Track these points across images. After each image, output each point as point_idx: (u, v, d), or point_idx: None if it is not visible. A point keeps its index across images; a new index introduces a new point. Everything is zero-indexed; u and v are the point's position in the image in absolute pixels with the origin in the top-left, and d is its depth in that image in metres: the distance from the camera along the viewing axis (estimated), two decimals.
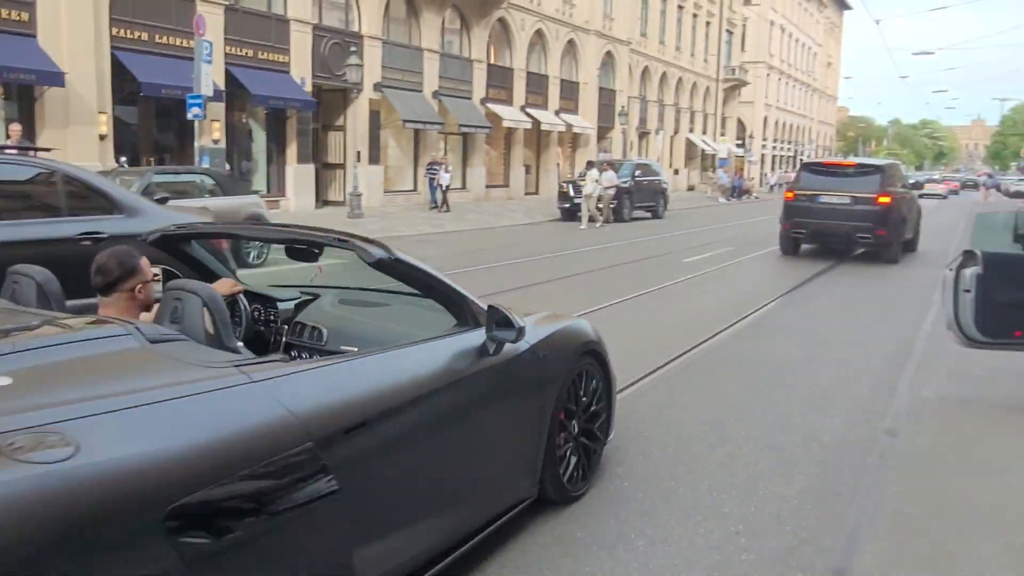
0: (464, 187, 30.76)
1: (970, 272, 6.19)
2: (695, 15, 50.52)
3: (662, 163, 40.84)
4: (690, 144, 51.06)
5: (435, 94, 28.06)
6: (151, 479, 1.94)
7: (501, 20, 31.56)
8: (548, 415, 3.79)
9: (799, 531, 3.90)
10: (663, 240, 18.39)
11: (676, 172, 47.91)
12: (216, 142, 20.47)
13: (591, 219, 22.17)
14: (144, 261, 3.40)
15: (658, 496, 4.25)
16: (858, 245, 15.59)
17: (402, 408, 2.81)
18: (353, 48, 22.56)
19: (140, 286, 3.32)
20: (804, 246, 16.36)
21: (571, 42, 36.20)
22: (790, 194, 15.94)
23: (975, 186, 74.12)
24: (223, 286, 3.77)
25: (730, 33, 56.48)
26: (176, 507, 1.95)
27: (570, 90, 36.57)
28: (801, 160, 73.12)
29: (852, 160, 17.20)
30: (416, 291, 3.61)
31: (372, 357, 2.92)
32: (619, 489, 4.32)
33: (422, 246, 16.53)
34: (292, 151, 23.26)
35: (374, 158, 25.86)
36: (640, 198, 25.80)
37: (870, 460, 4.89)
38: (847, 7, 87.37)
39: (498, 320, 3.41)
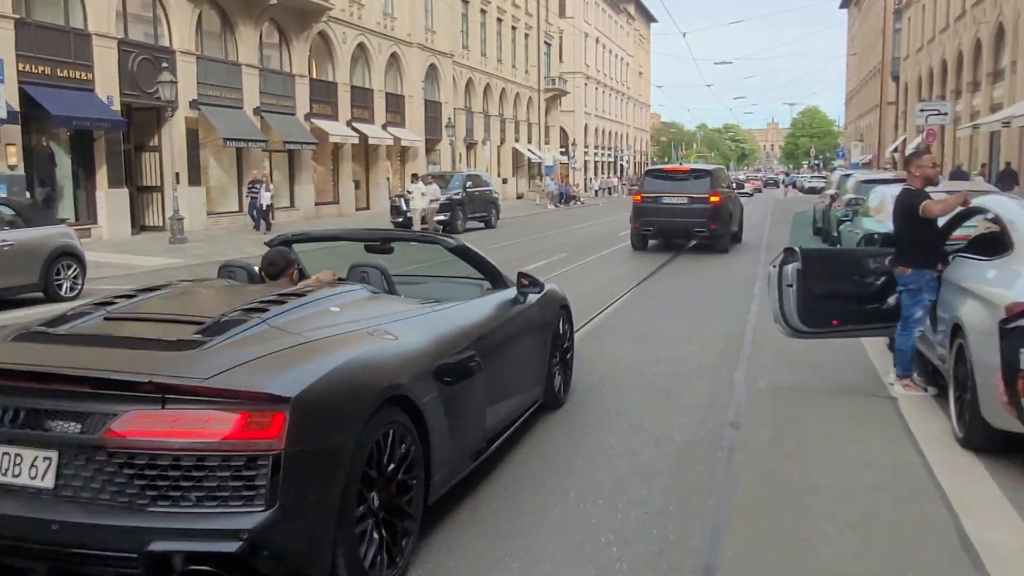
0: (293, 205, 29.91)
1: (791, 268, 6.64)
2: (514, 27, 51.68)
3: (491, 173, 41.38)
4: (517, 153, 52.08)
5: (256, 110, 27.07)
6: (430, 351, 3.87)
7: (322, 34, 30.93)
8: (548, 346, 5.77)
9: (666, 533, 4.00)
10: (499, 249, 18.53)
11: (505, 181, 48.70)
12: (13, 168, 18.77)
13: (424, 231, 22.03)
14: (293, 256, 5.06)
15: (527, 513, 4.24)
16: (696, 238, 18.00)
17: (492, 330, 4.79)
18: (165, 64, 21.29)
19: (294, 272, 4.89)
20: (651, 241, 18.54)
21: (394, 55, 36.04)
22: (638, 197, 18.23)
23: (776, 184, 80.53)
24: (326, 275, 4.82)
25: (548, 45, 58.19)
26: (439, 365, 3.87)
27: (396, 103, 36.36)
28: (622, 166, 75.07)
29: (686, 166, 19.99)
30: (430, 272, 5.87)
31: (473, 302, 4.92)
32: (488, 510, 4.28)
33: None
34: (102, 175, 21.67)
35: (194, 179, 24.60)
36: (472, 209, 26.05)
37: (720, 455, 5.12)
38: (654, 20, 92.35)
39: (528, 281, 5.51)
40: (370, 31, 33.92)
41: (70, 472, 2.89)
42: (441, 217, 24.09)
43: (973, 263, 5.87)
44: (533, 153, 53.35)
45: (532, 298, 5.52)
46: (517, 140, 52.12)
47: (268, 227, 23.87)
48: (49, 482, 2.90)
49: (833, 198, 18.83)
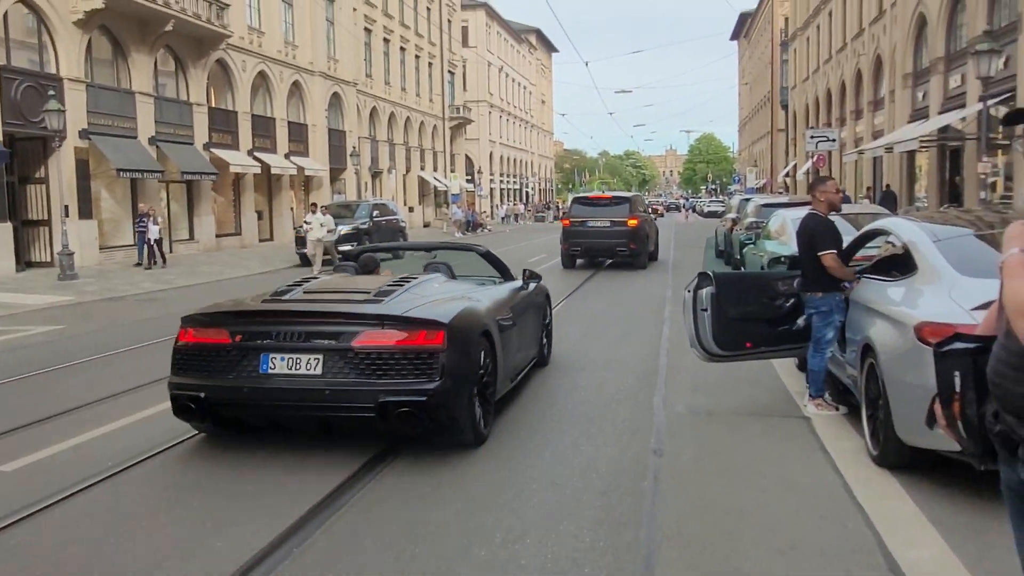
0: (192, 238, 28.89)
1: (705, 292, 6.71)
2: (417, 56, 51.73)
3: (397, 201, 41.15)
4: (423, 181, 51.94)
5: (152, 140, 26.09)
6: (492, 310, 6.42)
7: (220, 62, 30.16)
8: (540, 320, 8.34)
9: (597, 571, 3.88)
10: None
11: (411, 210, 48.40)
12: None
13: (327, 262, 21.67)
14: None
15: (455, 556, 4.05)
16: (617, 256, 20.20)
17: (515, 303, 7.23)
18: (52, 92, 20.28)
19: (378, 269, 7.68)
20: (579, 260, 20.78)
21: (296, 83, 35.46)
22: (566, 221, 20.65)
23: (677, 208, 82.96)
24: (387, 273, 7.50)
25: (452, 73, 58.50)
26: (497, 319, 6.41)
27: (299, 132, 35.72)
28: (527, 192, 78.58)
29: (608, 193, 23.18)
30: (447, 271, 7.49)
31: (501, 286, 7.56)
32: (414, 553, 4.07)
33: (148, 306, 15.25)
34: None
35: (85, 212, 23.45)
36: (380, 238, 25.74)
37: (645, 484, 5.07)
38: (555, 50, 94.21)
39: (530, 274, 8.33)
40: (271, 59, 33.36)
41: (330, 365, 5.35)
42: (347, 247, 23.69)
43: (879, 284, 6.00)
44: (439, 181, 53.30)
45: (532, 286, 8.25)
46: (423, 168, 52.00)
47: (159, 262, 22.80)
48: (319, 371, 5.36)
49: (734, 222, 19.54)
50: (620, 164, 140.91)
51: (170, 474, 5.53)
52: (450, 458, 5.55)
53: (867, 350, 5.55)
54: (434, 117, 54.10)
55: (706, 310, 6.62)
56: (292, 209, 35.52)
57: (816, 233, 6.39)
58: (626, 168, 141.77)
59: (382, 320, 5.45)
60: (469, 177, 58.89)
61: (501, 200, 67.39)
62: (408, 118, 49.41)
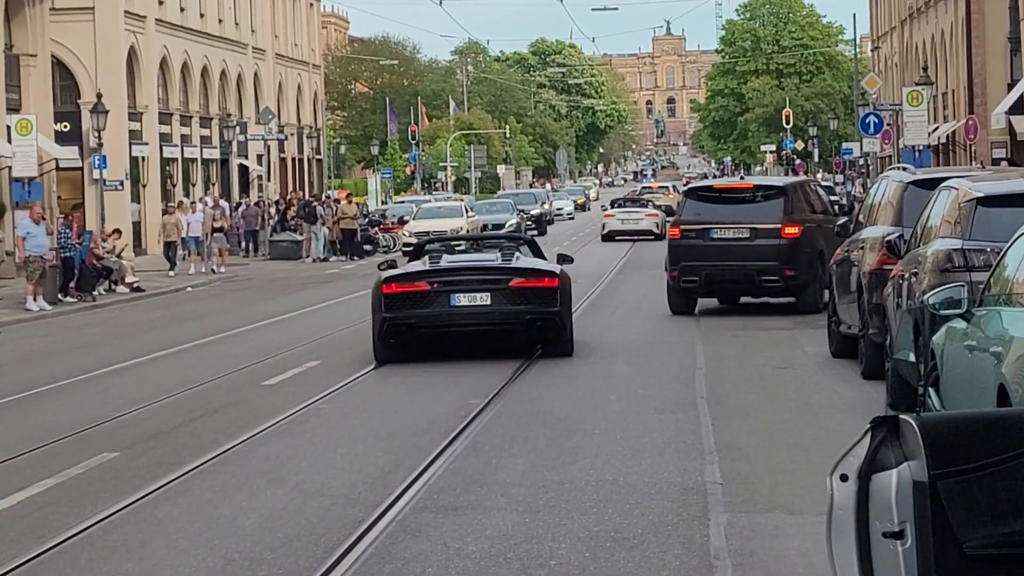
0: None
1: (901, 483, 3.61)
2: None
3: None
4: None
5: None
6: (568, 276, 10.95)
7: None
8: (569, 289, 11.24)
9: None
10: None
11: None
12: None
13: None
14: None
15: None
16: (765, 292, 13.25)
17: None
18: None
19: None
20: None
21: None
22: (676, 230, 13.51)
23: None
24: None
25: None
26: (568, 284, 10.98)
27: None
28: (257, 185, 35.03)
29: (748, 181, 15.68)
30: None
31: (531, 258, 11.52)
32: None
33: None
34: None
35: None
36: None
37: None
38: None
39: (564, 256, 11.88)
40: None
41: (496, 299, 9.96)
42: None
43: None
44: None
45: (565, 266, 11.27)
46: None
47: None
48: (487, 301, 9.99)
49: (888, 250, 7.90)
50: (528, 84, 76.21)
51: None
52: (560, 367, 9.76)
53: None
54: None
55: (901, 535, 2.24)
56: None
57: None
58: (538, 93, 77.75)
59: (523, 271, 10.37)
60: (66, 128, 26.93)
61: (170, 198, 30.32)
62: None
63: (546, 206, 42.97)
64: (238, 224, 30.74)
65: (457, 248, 11.72)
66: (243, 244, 30.91)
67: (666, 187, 50.55)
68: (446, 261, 10.59)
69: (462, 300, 9.86)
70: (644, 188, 50.91)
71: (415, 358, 10.08)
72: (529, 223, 34.48)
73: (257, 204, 32.81)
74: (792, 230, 12.66)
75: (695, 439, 6.45)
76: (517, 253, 10.77)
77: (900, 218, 8.12)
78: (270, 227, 31.00)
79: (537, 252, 11.31)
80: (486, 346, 10.17)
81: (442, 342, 10.31)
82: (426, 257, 10.84)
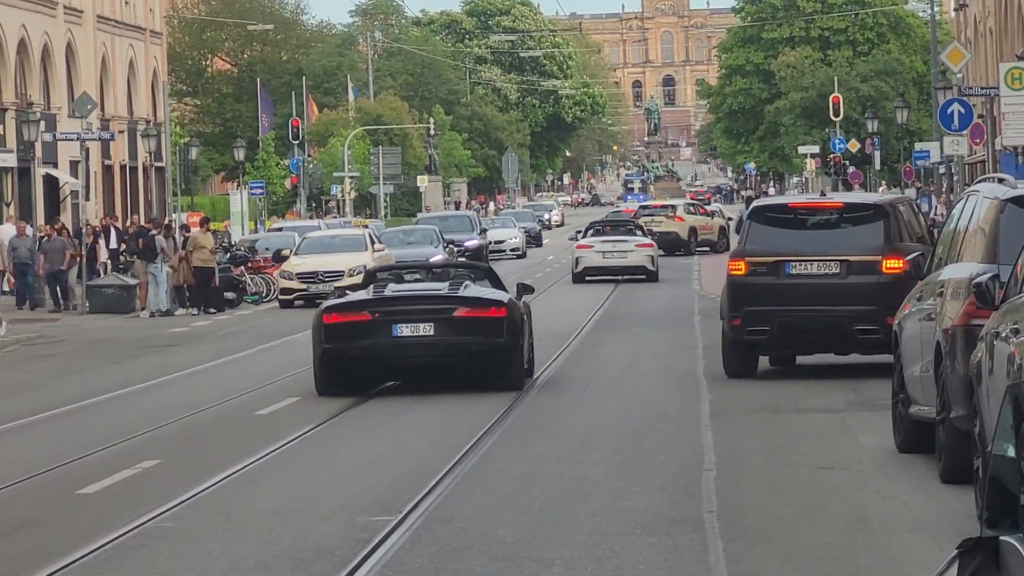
0: None
1: None
2: None
3: None
4: None
5: None
6: (519, 306, 14.43)
7: None
8: (527, 319, 13.43)
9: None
10: None
11: None
12: None
13: None
14: None
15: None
16: (859, 346, 12.93)
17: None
18: None
19: None
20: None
21: None
22: (740, 262, 12.90)
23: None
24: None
25: None
26: (522, 312, 14.85)
27: None
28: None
29: (835, 199, 15.12)
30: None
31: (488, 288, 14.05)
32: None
33: None
34: None
35: None
36: None
37: None
38: None
39: (524, 285, 14.60)
40: None
41: (440, 329, 13.05)
42: None
43: None
44: None
45: (525, 297, 13.61)
46: None
47: None
48: (431, 332, 12.77)
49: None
50: (462, 59, 72.61)
51: None
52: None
53: None
54: None
55: None
56: None
57: None
58: (477, 71, 73.39)
59: (469, 301, 12.01)
60: None
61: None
62: None
63: (485, 236, 39.01)
64: (34, 263, 27.04)
65: (407, 277, 14.15)
66: (50, 291, 27.28)
67: (671, 206, 45.17)
68: (391, 290, 12.85)
69: (404, 331, 12.45)
70: (642, 208, 46.20)
71: (303, 455, 10.44)
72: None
73: (66, 233, 29.06)
74: (895, 263, 11.70)
75: (701, 574, 6.02)
76: (467, 282, 12.89)
77: (995, 251, 7.60)
78: (81, 267, 27.41)
79: (496, 283, 13.17)
80: (432, 377, 12.93)
81: (385, 374, 12.99)
82: (372, 286, 13.09)
